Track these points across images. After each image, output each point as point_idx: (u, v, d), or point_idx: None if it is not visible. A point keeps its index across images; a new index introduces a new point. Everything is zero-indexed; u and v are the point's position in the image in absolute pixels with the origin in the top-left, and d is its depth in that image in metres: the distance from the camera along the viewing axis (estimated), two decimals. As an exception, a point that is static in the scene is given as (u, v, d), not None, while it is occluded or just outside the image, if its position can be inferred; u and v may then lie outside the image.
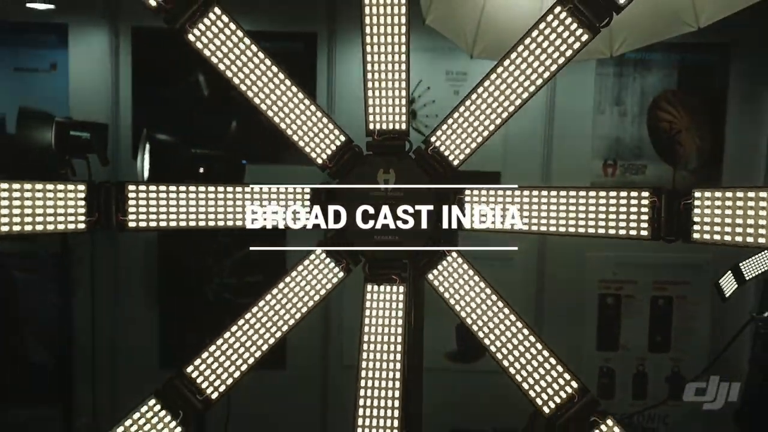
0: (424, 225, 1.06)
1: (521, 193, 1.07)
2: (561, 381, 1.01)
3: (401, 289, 1.07)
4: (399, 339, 1.08)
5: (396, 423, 1.05)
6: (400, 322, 1.08)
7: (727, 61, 3.40)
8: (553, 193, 1.05)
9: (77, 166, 2.82)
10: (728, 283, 2.54)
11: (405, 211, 1.06)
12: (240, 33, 1.04)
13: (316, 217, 1.05)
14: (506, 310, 1.07)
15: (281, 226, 1.06)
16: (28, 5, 3.13)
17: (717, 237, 0.91)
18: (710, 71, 3.42)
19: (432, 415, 3.05)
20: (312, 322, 3.32)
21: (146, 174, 2.59)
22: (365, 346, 1.07)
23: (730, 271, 2.55)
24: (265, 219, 1.04)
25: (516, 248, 3.27)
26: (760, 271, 2.49)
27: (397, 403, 1.07)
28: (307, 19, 3.41)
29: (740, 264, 2.54)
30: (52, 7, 3.15)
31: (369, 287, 1.08)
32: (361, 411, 1.04)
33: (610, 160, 3.45)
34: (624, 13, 3.24)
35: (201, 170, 2.70)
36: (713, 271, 3.35)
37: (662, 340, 3.51)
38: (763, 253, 2.50)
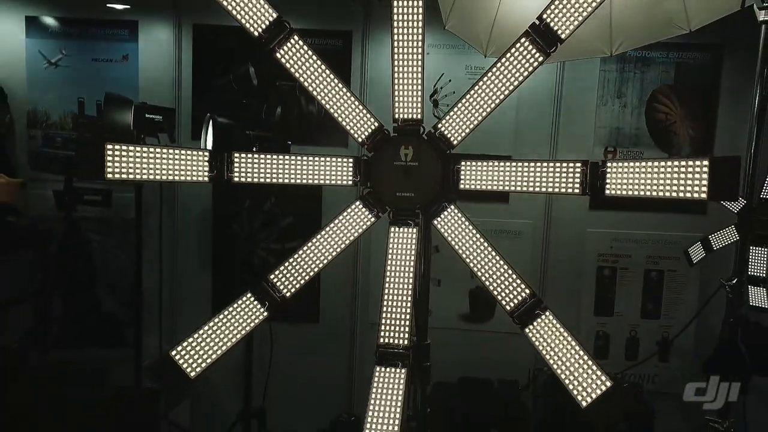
0: (432, 185, 1.54)
1: (498, 163, 1.54)
2: (518, 289, 1.48)
3: (415, 230, 1.54)
4: (412, 267, 1.55)
5: (407, 328, 1.52)
6: (413, 254, 1.55)
7: (719, 60, 3.76)
8: (517, 164, 1.52)
9: (150, 143, 3.35)
10: (696, 252, 2.96)
11: (419, 175, 1.53)
12: (309, 51, 1.52)
13: (356, 176, 1.53)
14: (485, 244, 1.54)
15: (332, 183, 1.54)
16: (108, 5, 3.66)
17: (620, 192, 1.38)
18: (704, 68, 3.77)
19: (445, 366, 3.58)
20: (342, 285, 3.87)
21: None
22: (389, 270, 1.54)
23: (699, 242, 2.97)
24: (321, 178, 1.52)
25: (530, 221, 3.69)
26: (725, 243, 2.90)
27: (409, 314, 1.54)
28: (345, 19, 3.88)
29: (709, 236, 2.96)
30: (128, 7, 3.68)
31: (392, 229, 1.55)
32: (383, 319, 1.52)
33: (610, 147, 3.85)
34: (622, 17, 3.72)
35: (254, 149, 3.20)
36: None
37: (653, 309, 3.93)
38: (728, 227, 2.92)
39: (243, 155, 1.48)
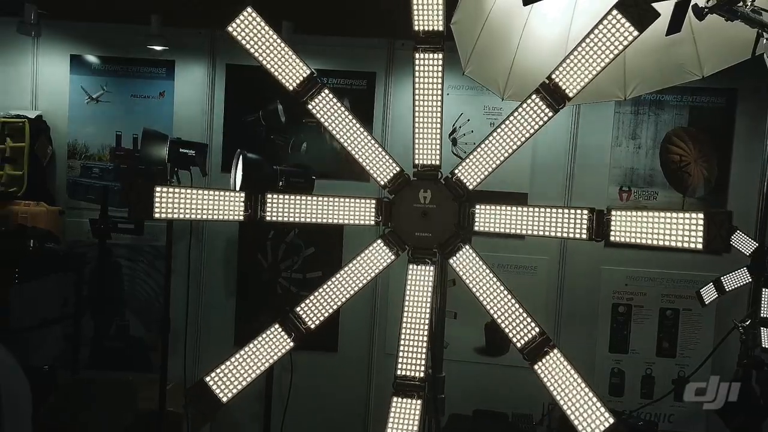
0: (448, 227, 1.66)
1: (511, 208, 1.66)
2: (529, 327, 1.58)
3: (432, 268, 1.67)
4: (429, 303, 1.67)
5: (423, 361, 1.63)
6: (430, 290, 1.67)
7: (733, 103, 3.86)
8: (529, 209, 1.64)
9: (182, 175, 3.54)
10: (709, 293, 3.02)
11: (436, 217, 1.66)
12: (338, 103, 1.67)
13: (377, 216, 1.67)
14: (498, 283, 1.65)
15: (356, 222, 1.68)
16: (149, 46, 3.90)
17: (624, 239, 1.48)
18: (718, 111, 3.87)
19: (460, 398, 3.65)
20: (361, 315, 3.99)
21: (238, 184, 3.27)
22: (406, 306, 1.66)
23: (712, 283, 3.04)
24: (346, 219, 1.66)
25: (546, 257, 3.78)
26: (737, 285, 2.96)
27: (425, 347, 1.65)
28: (370, 61, 4.07)
29: (722, 278, 3.03)
30: (167, 48, 3.91)
31: (410, 267, 1.68)
32: (401, 352, 1.63)
33: (625, 187, 3.94)
34: (635, 63, 3.84)
35: (281, 183, 3.36)
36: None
37: (669, 347, 3.96)
38: (741, 269, 2.98)
39: (275, 196, 1.63)
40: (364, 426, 4.10)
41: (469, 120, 3.94)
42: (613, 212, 1.50)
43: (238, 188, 3.28)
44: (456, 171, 1.67)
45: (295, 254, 4.03)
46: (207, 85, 4.12)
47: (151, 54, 4.03)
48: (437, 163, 1.67)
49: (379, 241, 1.69)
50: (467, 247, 1.67)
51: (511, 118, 1.61)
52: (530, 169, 3.97)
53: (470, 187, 1.66)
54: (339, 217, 1.66)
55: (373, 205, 1.68)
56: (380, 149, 1.69)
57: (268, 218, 1.61)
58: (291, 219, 1.61)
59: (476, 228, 1.65)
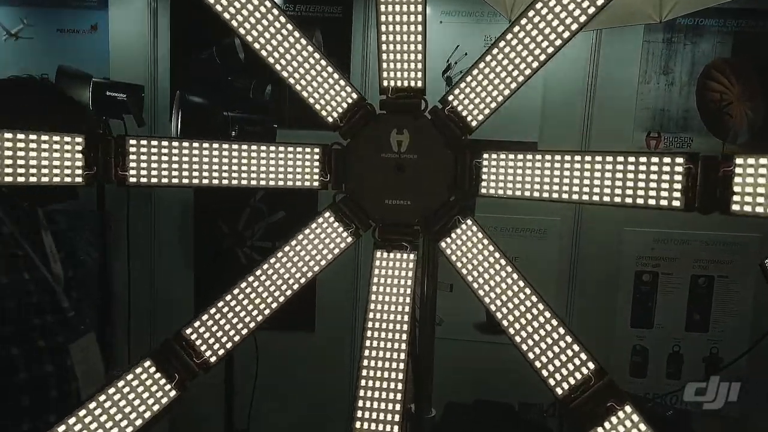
0: (438, 189, 1.03)
1: (542, 157, 1.02)
2: (576, 361, 0.97)
3: (411, 256, 1.04)
4: (407, 309, 1.05)
5: (398, 400, 1.03)
6: (409, 291, 1.06)
7: (788, 28, 3.18)
8: (577, 158, 1.00)
9: (114, 126, 2.88)
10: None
11: (419, 174, 1.02)
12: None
13: (324, 176, 1.03)
14: (521, 283, 1.03)
15: (287, 185, 1.04)
16: (69, -34, 3.16)
17: (760, 210, 0.84)
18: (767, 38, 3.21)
19: (458, 385, 3.08)
20: (340, 286, 3.38)
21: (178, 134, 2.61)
22: (371, 315, 1.05)
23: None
24: (269, 179, 1.02)
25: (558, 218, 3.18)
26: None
27: (401, 380, 1.04)
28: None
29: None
30: (91, -33, 3.16)
31: (378, 254, 1.06)
32: (361, 393, 1.02)
33: (654, 132, 3.30)
34: None
35: (233, 133, 2.71)
36: (759, 250, 3.22)
37: (701, 320, 3.40)
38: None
39: (142, 143, 0.97)
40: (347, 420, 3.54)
41: (466, 54, 3.26)
42: (738, 160, 0.85)
43: (178, 140, 2.63)
44: (451, 97, 1.02)
45: (260, 220, 3.41)
46: (148, 14, 3.42)
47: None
48: (419, 84, 1.02)
49: (326, 213, 1.05)
50: (468, 221, 1.03)
51: (539, 5, 0.95)
52: (539, 112, 3.30)
53: (473, 124, 1.02)
54: (258, 177, 1.01)
55: (316, 156, 1.04)
56: (323, 61, 1.04)
57: (133, 179, 0.97)
58: (174, 181, 0.96)
59: (484, 191, 1.02)
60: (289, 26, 1.05)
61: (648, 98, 3.30)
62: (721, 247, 3.31)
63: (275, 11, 1.04)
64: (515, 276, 1.04)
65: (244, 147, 1.02)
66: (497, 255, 1.05)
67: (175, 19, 3.41)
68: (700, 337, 3.40)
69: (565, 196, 1.01)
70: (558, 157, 1.01)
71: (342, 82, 1.05)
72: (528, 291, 1.03)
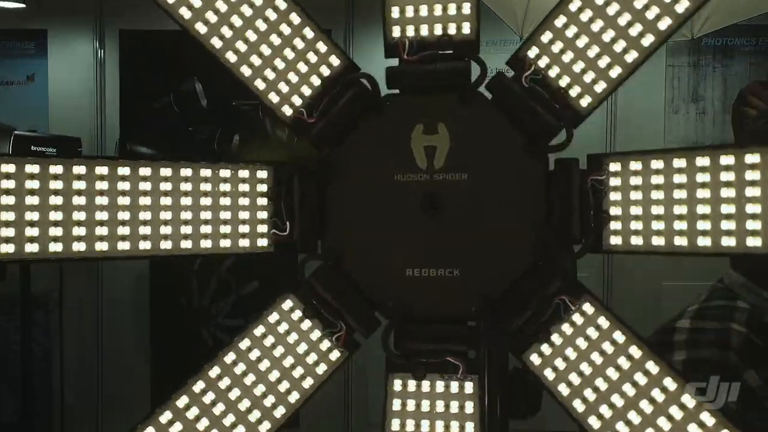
0: (516, 243, 0.51)
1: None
2: None
3: (467, 387, 0.51)
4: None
5: None
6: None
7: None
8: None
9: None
10: None
11: (472, 213, 0.50)
12: None
13: (279, 226, 0.51)
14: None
15: (203, 248, 0.52)
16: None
17: None
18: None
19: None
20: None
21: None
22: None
23: None
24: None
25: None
26: None
27: None
28: (323, 16, 2.95)
29: None
30: (21, 5, 2.70)
31: (396, 383, 0.52)
32: None
33: (688, 169, 2.85)
34: None
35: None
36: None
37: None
38: None
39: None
40: None
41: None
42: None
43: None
44: (531, 53, 0.52)
45: (229, 293, 2.87)
46: (94, 61, 2.98)
47: (11, 22, 2.87)
48: (466, 30, 0.51)
49: (285, 305, 0.52)
50: (588, 308, 0.50)
51: None
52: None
53: (584, 104, 0.50)
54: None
55: (260, 185, 0.52)
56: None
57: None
58: None
59: (615, 241, 0.49)
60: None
61: (678, 129, 2.90)
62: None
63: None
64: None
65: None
66: (652, 367, 0.51)
67: (126, 66, 3.00)
68: None
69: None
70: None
71: (308, 32, 0.54)
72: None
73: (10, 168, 0.60)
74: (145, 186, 0.62)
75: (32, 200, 0.60)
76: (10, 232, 0.60)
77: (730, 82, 2.88)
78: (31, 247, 0.60)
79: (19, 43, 3.01)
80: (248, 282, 2.93)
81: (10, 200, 0.60)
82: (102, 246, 0.62)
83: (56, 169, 0.61)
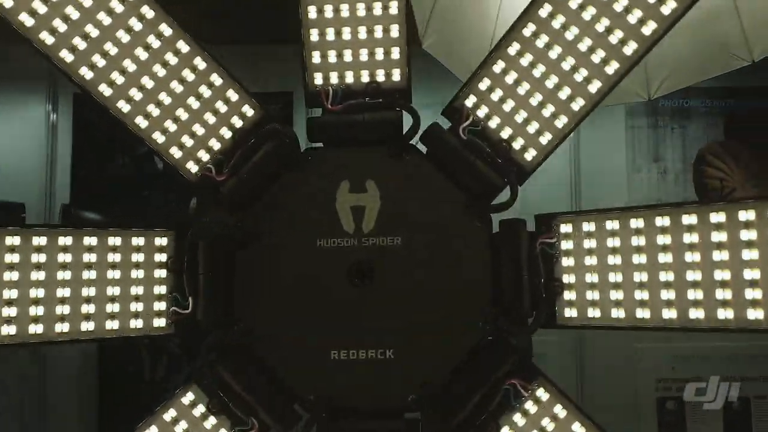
0: (459, 318, 0.43)
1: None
2: None
3: None
4: None
5: None
6: None
7: (781, 104, 2.94)
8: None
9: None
10: None
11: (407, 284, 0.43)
12: None
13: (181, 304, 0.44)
14: None
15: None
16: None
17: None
18: (764, 115, 2.90)
19: None
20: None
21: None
22: None
23: None
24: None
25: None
26: None
27: None
28: (284, 78, 2.99)
29: None
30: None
31: None
32: None
33: (653, 228, 2.86)
34: (663, 48, 2.65)
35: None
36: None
37: (743, 455, 2.79)
38: None
39: None
40: None
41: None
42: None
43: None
44: (470, 101, 0.47)
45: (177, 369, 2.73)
46: (46, 125, 2.93)
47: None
48: (397, 78, 0.45)
49: (185, 398, 0.42)
50: (541, 394, 0.42)
51: None
52: (518, 208, 2.81)
53: (530, 158, 0.45)
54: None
55: (159, 254, 0.45)
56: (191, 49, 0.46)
57: None
58: None
59: (569, 313, 0.42)
60: None
61: (640, 188, 2.96)
62: (753, 361, 2.80)
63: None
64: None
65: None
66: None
67: (80, 129, 2.93)
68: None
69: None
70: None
71: (216, 79, 0.48)
72: None
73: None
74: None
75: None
76: None
77: (689, 142, 2.96)
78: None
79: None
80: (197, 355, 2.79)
81: None
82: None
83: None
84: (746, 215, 0.52)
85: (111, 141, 2.94)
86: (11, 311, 0.49)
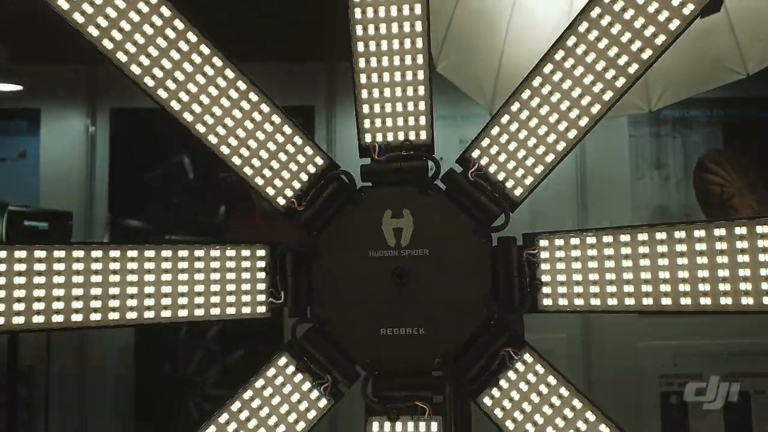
0: (469, 307, 0.62)
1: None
2: None
3: (434, 425, 0.61)
4: None
5: None
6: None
7: (777, 114, 3.04)
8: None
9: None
10: None
11: (433, 282, 0.62)
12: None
13: (275, 295, 0.63)
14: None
15: (211, 314, 0.63)
16: (-4, 87, 2.84)
17: None
18: (761, 125, 3.03)
19: None
20: None
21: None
22: None
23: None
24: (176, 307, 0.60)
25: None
26: None
27: None
28: (305, 92, 3.13)
29: None
30: (18, 88, 2.84)
31: (375, 424, 0.62)
32: None
33: (656, 231, 2.97)
34: (662, 63, 2.79)
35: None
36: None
37: (744, 447, 2.89)
38: None
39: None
40: None
41: (442, 158, 2.94)
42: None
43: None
44: (476, 153, 0.70)
45: (214, 361, 2.88)
46: (86, 137, 3.09)
47: (5, 103, 2.99)
48: (423, 136, 0.64)
49: (281, 361, 0.62)
50: (527, 358, 0.61)
51: None
52: (528, 214, 2.96)
53: (518, 193, 0.63)
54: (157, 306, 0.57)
55: (259, 262, 0.64)
56: (274, 115, 0.64)
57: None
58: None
59: (547, 302, 0.61)
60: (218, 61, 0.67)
61: (644, 195, 3.06)
62: (753, 358, 2.91)
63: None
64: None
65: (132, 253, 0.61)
66: (577, 404, 0.61)
67: (117, 141, 3.10)
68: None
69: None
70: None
71: (299, 140, 0.66)
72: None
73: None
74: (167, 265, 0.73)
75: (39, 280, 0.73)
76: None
77: (689, 150, 3.07)
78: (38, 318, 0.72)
79: (12, 121, 3.13)
80: (233, 350, 2.95)
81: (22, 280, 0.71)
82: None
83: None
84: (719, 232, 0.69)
85: (145, 153, 3.10)
86: (150, 301, 0.69)
